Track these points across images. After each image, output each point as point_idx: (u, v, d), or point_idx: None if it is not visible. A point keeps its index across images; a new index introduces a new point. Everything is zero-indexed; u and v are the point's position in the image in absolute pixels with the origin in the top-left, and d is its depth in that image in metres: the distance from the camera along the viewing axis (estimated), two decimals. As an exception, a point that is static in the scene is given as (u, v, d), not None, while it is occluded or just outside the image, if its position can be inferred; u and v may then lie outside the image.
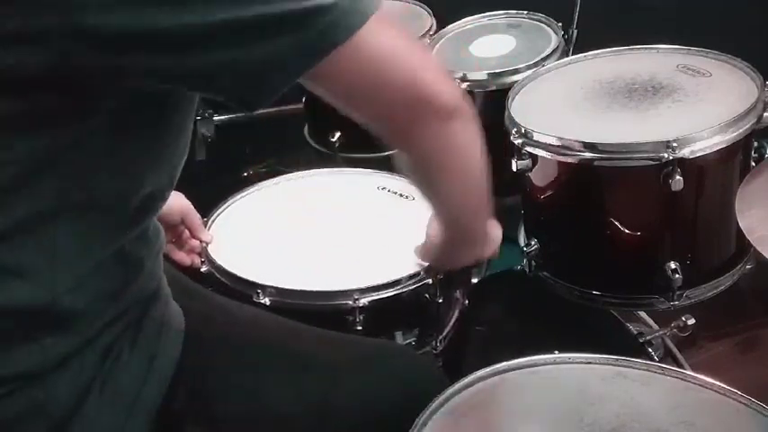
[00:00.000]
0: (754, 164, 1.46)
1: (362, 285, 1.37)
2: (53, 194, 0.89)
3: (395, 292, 1.39)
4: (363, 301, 1.36)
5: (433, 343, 1.47)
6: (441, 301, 1.43)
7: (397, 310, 1.41)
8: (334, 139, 2.03)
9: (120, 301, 1.02)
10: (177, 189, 1.49)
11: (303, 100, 2.14)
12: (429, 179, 1.08)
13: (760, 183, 1.18)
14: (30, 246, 0.91)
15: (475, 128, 1.02)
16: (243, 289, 1.40)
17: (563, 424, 0.98)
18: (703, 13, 2.17)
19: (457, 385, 1.04)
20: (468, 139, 1.02)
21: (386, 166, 1.84)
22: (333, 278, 1.41)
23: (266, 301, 1.37)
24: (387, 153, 2.05)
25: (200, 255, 1.51)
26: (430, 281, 1.41)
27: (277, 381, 1.13)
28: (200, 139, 2.28)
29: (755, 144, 1.48)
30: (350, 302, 1.35)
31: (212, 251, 1.51)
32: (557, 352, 1.10)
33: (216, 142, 2.29)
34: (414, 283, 1.41)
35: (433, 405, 1.00)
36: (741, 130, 1.40)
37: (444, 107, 0.95)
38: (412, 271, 1.41)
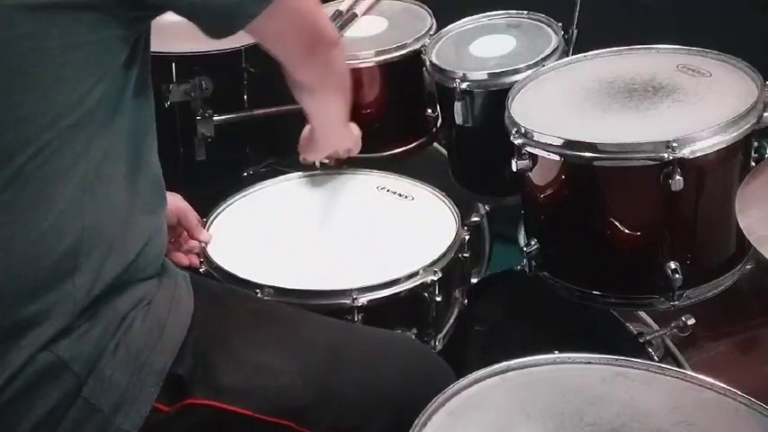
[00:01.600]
0: (754, 164, 1.46)
1: (361, 285, 1.37)
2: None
3: (393, 291, 1.40)
4: (362, 300, 1.37)
5: (432, 342, 1.47)
6: (439, 299, 1.44)
7: (396, 308, 1.42)
8: (334, 140, 2.03)
9: (132, 258, 1.11)
10: (176, 189, 1.50)
11: (303, 100, 2.14)
12: (320, 94, 1.43)
13: (760, 183, 1.18)
14: (67, 177, 1.03)
15: (344, 52, 1.42)
16: (241, 288, 1.40)
17: (563, 424, 0.98)
18: (703, 13, 2.17)
19: (457, 385, 1.04)
20: (343, 60, 1.41)
21: (386, 166, 1.85)
22: (332, 277, 1.42)
23: (265, 300, 1.38)
24: (386, 153, 2.07)
25: (198, 255, 1.51)
26: (428, 279, 1.41)
27: (280, 356, 1.17)
28: (200, 139, 2.27)
29: (755, 144, 1.48)
30: (348, 302, 1.36)
31: (211, 251, 1.51)
32: (557, 352, 1.10)
33: (216, 142, 2.29)
34: (412, 282, 1.41)
35: (434, 405, 1.00)
36: (741, 130, 1.40)
37: (332, 40, 1.31)
38: (411, 270, 1.41)
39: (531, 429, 0.98)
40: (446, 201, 1.63)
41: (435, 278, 1.42)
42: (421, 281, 1.42)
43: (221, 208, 1.65)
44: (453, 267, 1.50)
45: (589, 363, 1.08)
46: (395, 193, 1.66)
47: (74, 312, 1.05)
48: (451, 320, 1.55)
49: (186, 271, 1.46)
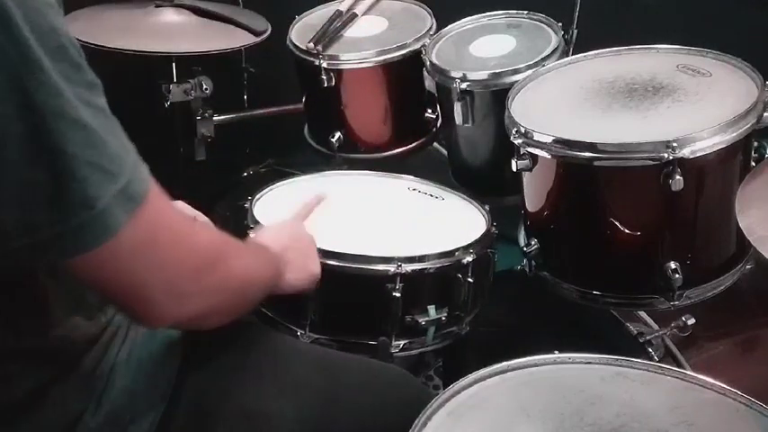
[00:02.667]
0: (754, 164, 1.46)
1: (406, 254, 1.43)
2: None
3: (434, 265, 1.45)
4: (406, 268, 1.41)
5: (461, 324, 1.52)
6: (471, 281, 1.48)
7: (433, 284, 1.48)
8: (334, 139, 2.04)
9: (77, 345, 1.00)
10: (177, 189, 1.50)
11: (303, 100, 2.14)
12: (224, 315, 1.07)
13: (760, 183, 1.18)
14: None
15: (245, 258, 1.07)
16: None
17: (563, 424, 0.98)
18: (703, 13, 2.17)
19: (457, 385, 1.04)
20: (246, 266, 1.08)
21: (386, 166, 1.86)
22: (376, 249, 1.46)
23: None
24: (386, 153, 2.07)
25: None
26: (465, 260, 1.47)
27: (275, 401, 1.13)
28: (200, 139, 2.28)
29: (755, 144, 1.48)
30: (392, 268, 1.41)
31: (260, 219, 1.52)
32: (557, 352, 1.10)
33: (216, 142, 2.29)
34: (451, 260, 1.47)
35: (434, 405, 1.00)
36: (741, 130, 1.40)
37: (216, 256, 0.99)
38: (450, 248, 1.47)
39: (531, 429, 0.98)
40: (475, 203, 1.68)
41: (470, 259, 1.47)
42: (458, 260, 1.47)
43: (257, 196, 1.66)
44: (484, 258, 1.54)
45: (589, 363, 1.08)
46: (426, 193, 1.72)
47: (12, 400, 0.95)
48: (476, 311, 1.58)
49: None
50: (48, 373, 0.98)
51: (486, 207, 1.65)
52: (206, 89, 2.20)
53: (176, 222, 0.93)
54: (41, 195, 0.79)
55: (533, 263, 1.61)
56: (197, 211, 1.48)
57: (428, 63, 1.86)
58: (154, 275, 0.89)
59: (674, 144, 1.36)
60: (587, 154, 1.42)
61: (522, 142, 1.50)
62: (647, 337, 1.69)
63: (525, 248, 1.60)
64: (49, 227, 0.80)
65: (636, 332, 1.72)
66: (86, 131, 0.80)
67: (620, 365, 1.07)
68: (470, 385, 1.04)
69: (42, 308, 0.96)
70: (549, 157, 1.47)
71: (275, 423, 1.11)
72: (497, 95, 1.69)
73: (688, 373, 1.06)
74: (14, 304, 0.92)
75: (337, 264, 1.42)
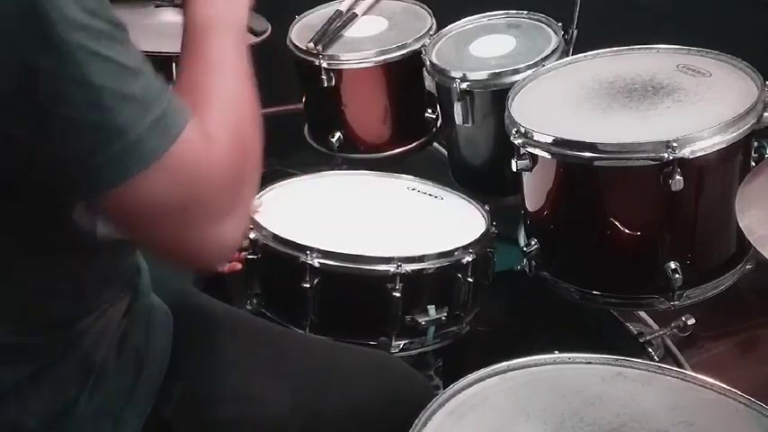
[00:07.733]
0: (754, 164, 1.46)
1: (405, 254, 1.43)
2: None
3: (433, 265, 1.46)
4: (406, 268, 1.42)
5: (461, 324, 1.53)
6: (471, 280, 1.48)
7: (433, 284, 1.48)
8: (334, 139, 2.04)
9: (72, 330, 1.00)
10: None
11: (303, 100, 2.14)
12: None
13: (760, 183, 1.18)
14: None
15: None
16: (291, 251, 1.44)
17: (563, 424, 0.98)
18: (703, 13, 2.17)
19: (457, 385, 1.04)
20: None
21: (386, 166, 1.85)
22: (375, 249, 1.47)
23: (315, 262, 1.42)
24: (386, 153, 2.07)
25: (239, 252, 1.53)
26: (464, 260, 1.47)
27: (269, 385, 1.14)
28: (201, 139, 2.28)
29: (755, 144, 1.48)
30: (392, 268, 1.41)
31: (260, 220, 1.53)
32: (557, 352, 1.10)
33: (216, 142, 2.29)
34: (450, 260, 1.48)
35: (434, 405, 1.00)
36: (741, 130, 1.40)
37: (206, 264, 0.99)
38: (449, 248, 1.48)
39: (531, 429, 0.98)
40: (475, 203, 1.69)
41: (470, 259, 1.48)
42: (458, 259, 1.47)
43: (257, 196, 1.66)
44: (483, 258, 1.55)
45: (589, 363, 1.08)
46: (425, 193, 1.72)
47: (39, 357, 0.97)
48: (476, 311, 1.59)
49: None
50: (45, 356, 0.98)
51: (486, 207, 1.65)
52: (206, 89, 2.20)
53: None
54: (81, 127, 0.79)
55: (533, 263, 1.61)
56: None
57: (428, 63, 1.86)
58: (198, 196, 0.87)
59: (674, 144, 1.36)
60: (587, 154, 1.42)
61: (522, 142, 1.50)
62: (647, 337, 1.70)
63: (525, 248, 1.60)
64: (85, 158, 0.79)
65: (636, 332, 1.72)
66: (110, 64, 0.79)
67: (620, 365, 1.07)
68: (470, 385, 1.04)
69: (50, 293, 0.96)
70: (549, 157, 1.47)
71: (268, 406, 1.12)
72: (497, 95, 1.69)
73: (688, 373, 1.06)
74: (23, 289, 0.93)
75: (337, 264, 1.43)
